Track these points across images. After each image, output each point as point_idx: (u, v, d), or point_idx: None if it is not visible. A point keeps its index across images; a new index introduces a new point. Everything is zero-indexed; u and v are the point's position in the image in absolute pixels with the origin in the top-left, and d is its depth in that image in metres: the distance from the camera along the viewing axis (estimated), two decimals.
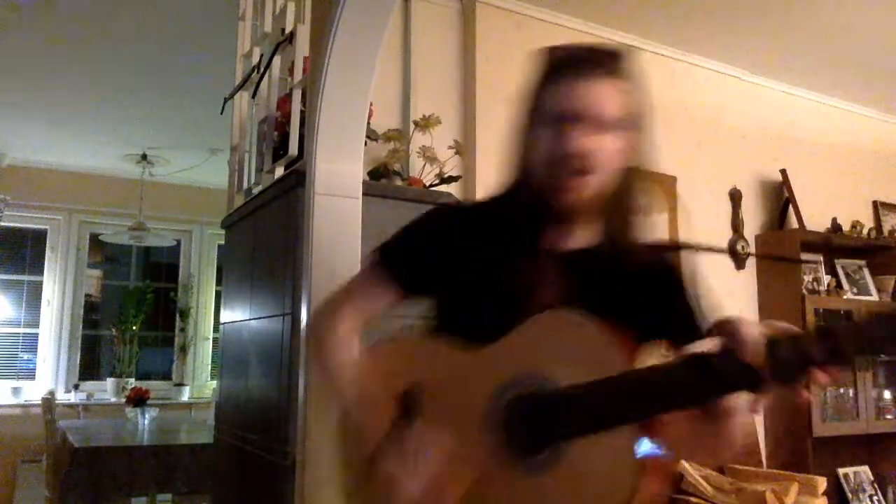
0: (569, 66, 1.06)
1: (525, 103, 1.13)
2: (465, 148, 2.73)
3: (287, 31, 2.29)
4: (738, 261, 3.51)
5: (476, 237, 1.12)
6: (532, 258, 1.08)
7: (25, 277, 5.59)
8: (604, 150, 1.03)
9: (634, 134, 1.08)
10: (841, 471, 3.55)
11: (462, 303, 1.11)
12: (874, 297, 3.82)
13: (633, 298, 1.04)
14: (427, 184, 2.52)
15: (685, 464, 2.94)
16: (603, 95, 1.04)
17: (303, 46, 2.17)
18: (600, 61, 1.06)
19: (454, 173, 2.59)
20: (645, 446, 0.88)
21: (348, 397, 1.12)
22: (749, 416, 0.87)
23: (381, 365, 1.11)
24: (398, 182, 2.46)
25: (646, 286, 1.08)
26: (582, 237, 1.10)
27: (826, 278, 3.67)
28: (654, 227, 1.13)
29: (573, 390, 0.91)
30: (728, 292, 3.46)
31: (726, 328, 0.87)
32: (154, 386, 5.27)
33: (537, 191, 1.07)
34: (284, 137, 2.18)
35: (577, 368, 0.91)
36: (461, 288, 1.11)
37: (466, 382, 1.02)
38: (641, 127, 1.09)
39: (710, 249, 1.18)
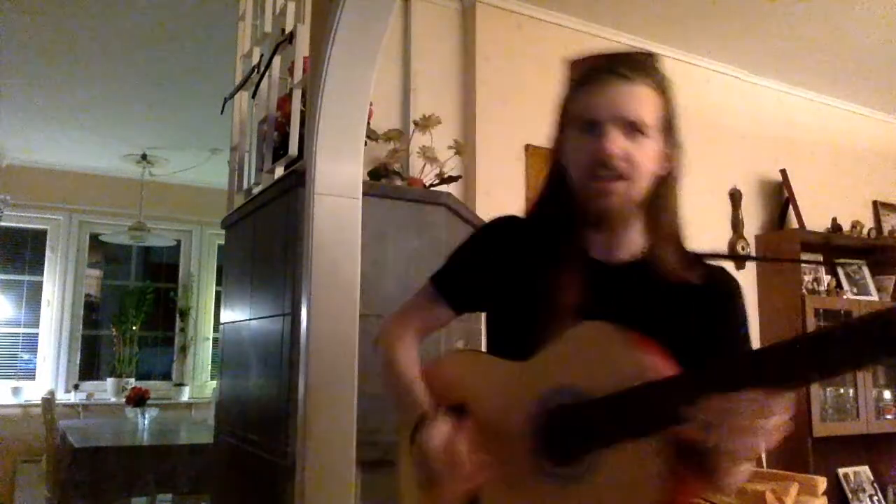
0: (596, 72, 1.08)
1: (558, 113, 1.15)
2: (465, 148, 2.73)
3: (287, 31, 2.29)
4: (738, 261, 3.51)
5: (522, 250, 1.15)
6: (575, 269, 1.08)
7: (25, 277, 5.59)
8: (633, 155, 1.04)
9: (667, 139, 1.09)
10: (841, 471, 3.55)
11: (508, 316, 1.15)
12: (874, 297, 3.82)
13: (671, 317, 1.03)
14: (427, 184, 2.52)
15: None
16: (629, 100, 1.05)
17: (303, 46, 2.17)
18: (627, 67, 1.07)
19: (454, 173, 2.59)
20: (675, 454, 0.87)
21: (408, 402, 1.15)
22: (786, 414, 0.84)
23: (434, 382, 1.15)
24: (398, 182, 2.46)
25: (687, 303, 1.06)
26: (628, 248, 1.11)
27: (826, 278, 3.67)
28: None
29: (608, 400, 0.91)
30: None
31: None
32: (154, 386, 5.27)
33: (574, 198, 1.09)
34: (284, 137, 2.18)
35: (613, 380, 0.91)
36: (508, 302, 1.14)
37: (508, 395, 1.04)
38: (673, 132, 1.10)
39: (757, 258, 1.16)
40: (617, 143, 1.03)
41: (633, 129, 1.04)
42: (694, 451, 0.85)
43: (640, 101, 1.05)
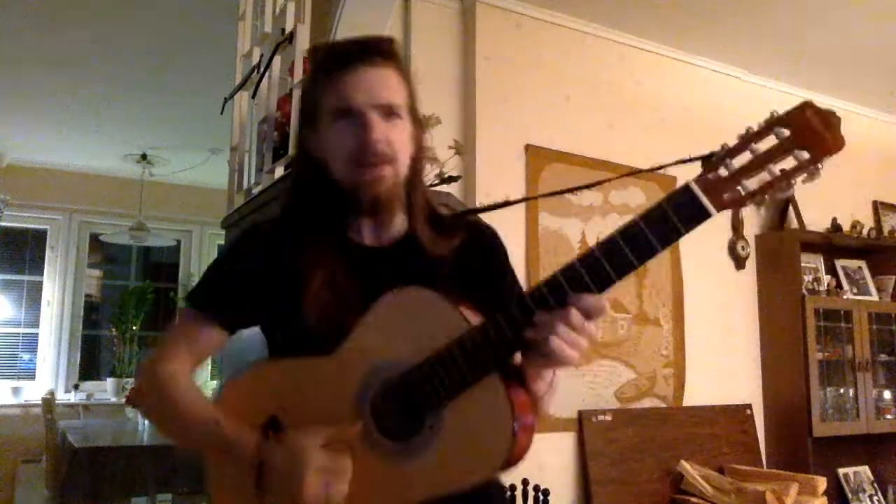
0: (344, 59, 1.07)
1: (306, 105, 1.14)
2: (465, 148, 2.73)
3: (287, 31, 2.29)
4: (738, 261, 3.51)
5: (285, 249, 1.09)
6: (343, 258, 1.07)
7: (25, 277, 5.59)
8: (393, 138, 1.06)
9: (414, 120, 1.12)
10: (841, 471, 3.55)
11: (285, 321, 1.08)
12: (874, 297, 3.82)
13: (453, 279, 1.05)
14: (427, 184, 2.52)
15: (685, 464, 2.95)
16: (383, 84, 1.06)
17: (303, 46, 2.17)
18: (373, 52, 1.07)
19: (454, 173, 2.59)
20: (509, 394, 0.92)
21: (204, 433, 1.05)
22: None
23: (240, 400, 1.06)
24: None
25: (462, 266, 1.10)
26: (395, 229, 1.13)
27: (826, 278, 3.67)
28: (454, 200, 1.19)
29: (428, 361, 0.94)
30: (728, 292, 3.46)
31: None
32: None
33: (341, 188, 1.07)
34: (284, 137, 2.19)
35: (426, 340, 0.94)
36: (282, 305, 1.07)
37: (328, 389, 1.00)
38: (417, 113, 1.14)
39: (506, 204, 1.21)
40: (379, 128, 1.04)
41: (390, 112, 1.06)
42: (517, 375, 0.95)
43: (392, 84, 1.07)
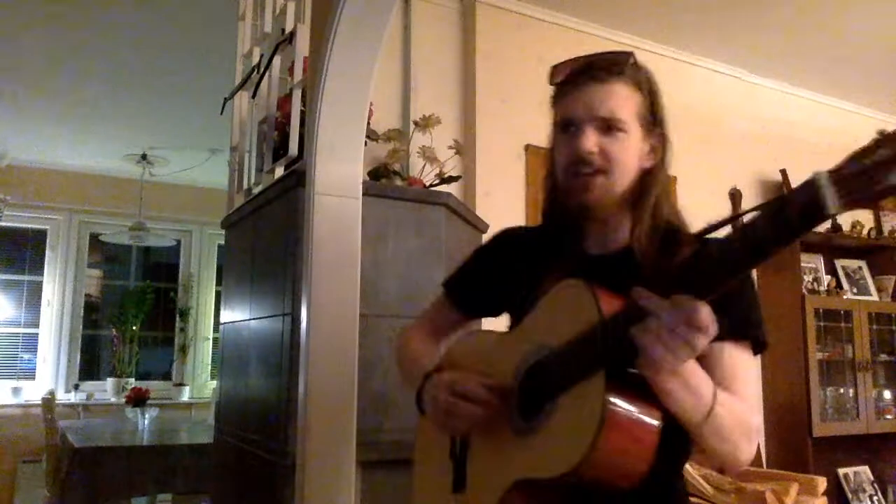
0: (574, 75, 1.13)
1: (551, 118, 1.19)
2: (465, 148, 2.73)
3: (287, 31, 2.29)
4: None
5: (525, 254, 1.21)
6: (567, 262, 1.11)
7: (25, 277, 5.59)
8: (609, 150, 1.08)
9: (649, 133, 1.12)
10: (841, 471, 3.55)
11: (515, 320, 1.20)
12: (874, 297, 3.82)
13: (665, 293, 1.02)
14: (427, 184, 2.52)
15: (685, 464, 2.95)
16: (604, 98, 1.09)
17: (303, 46, 2.17)
18: (601, 68, 1.11)
19: (454, 173, 2.59)
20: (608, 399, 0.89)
21: (415, 370, 1.23)
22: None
23: (446, 358, 1.24)
24: (398, 182, 2.46)
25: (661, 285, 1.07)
26: (619, 239, 1.14)
27: (826, 278, 3.67)
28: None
29: (553, 351, 0.98)
30: None
31: None
32: (154, 386, 5.27)
33: (561, 197, 1.14)
34: (284, 137, 2.18)
35: (571, 329, 0.95)
36: (514, 303, 1.18)
37: (499, 359, 1.11)
38: (657, 126, 1.13)
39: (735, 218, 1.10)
40: (591, 139, 1.08)
41: (609, 125, 1.08)
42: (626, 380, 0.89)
43: (615, 99, 1.09)
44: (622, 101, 1.09)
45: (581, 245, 1.16)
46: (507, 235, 1.31)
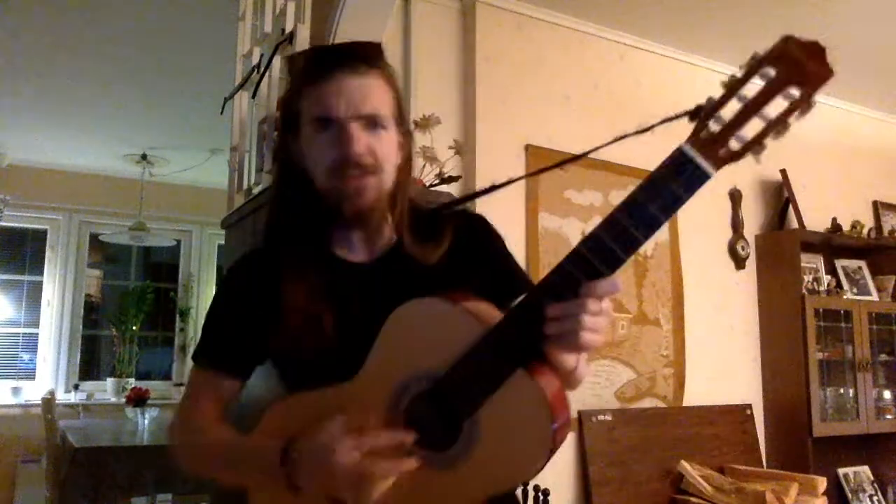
0: (325, 66, 1.03)
1: (284, 113, 1.11)
2: (465, 148, 2.73)
3: (287, 31, 2.29)
4: (738, 261, 3.51)
5: (273, 277, 1.05)
6: (332, 276, 1.04)
7: (25, 277, 5.59)
8: (377, 149, 1.03)
9: (399, 128, 1.08)
10: (841, 471, 3.55)
11: (289, 353, 1.06)
12: (874, 297, 3.82)
13: (450, 280, 1.01)
14: (427, 184, 2.52)
15: (685, 464, 2.95)
16: (366, 94, 1.02)
17: (303, 46, 2.17)
18: (357, 59, 1.04)
19: (454, 173, 2.59)
20: (545, 388, 0.90)
21: (233, 454, 1.05)
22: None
23: (271, 427, 1.04)
24: None
25: (457, 262, 1.08)
26: (383, 240, 1.10)
27: (826, 278, 3.67)
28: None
29: (453, 368, 0.91)
30: (728, 292, 3.46)
31: None
32: (154, 386, 5.27)
33: (323, 201, 1.04)
34: None
35: (445, 348, 0.91)
36: (279, 339, 1.04)
37: (355, 413, 0.95)
38: (404, 120, 1.10)
39: (497, 187, 1.13)
40: (362, 140, 1.01)
41: (374, 123, 1.02)
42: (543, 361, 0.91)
43: (377, 93, 1.03)
44: (383, 95, 1.04)
45: (335, 252, 1.09)
46: (242, 269, 1.13)
